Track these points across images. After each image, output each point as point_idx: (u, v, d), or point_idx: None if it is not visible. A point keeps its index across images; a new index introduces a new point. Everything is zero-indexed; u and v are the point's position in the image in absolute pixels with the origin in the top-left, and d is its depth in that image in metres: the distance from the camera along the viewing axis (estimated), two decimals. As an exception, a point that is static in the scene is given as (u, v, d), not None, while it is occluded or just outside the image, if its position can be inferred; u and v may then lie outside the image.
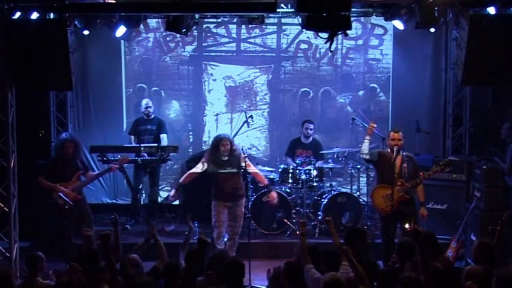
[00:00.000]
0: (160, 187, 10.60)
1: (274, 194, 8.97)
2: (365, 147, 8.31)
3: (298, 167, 9.78)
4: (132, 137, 10.29)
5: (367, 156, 8.36)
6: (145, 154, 9.65)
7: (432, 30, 9.87)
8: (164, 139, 10.12)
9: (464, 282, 5.56)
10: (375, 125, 8.46)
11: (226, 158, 8.47)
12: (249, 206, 9.40)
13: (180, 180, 8.79)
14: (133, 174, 10.07)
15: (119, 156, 9.18)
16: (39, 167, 8.84)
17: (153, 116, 10.26)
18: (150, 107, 10.21)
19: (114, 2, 8.41)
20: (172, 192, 8.73)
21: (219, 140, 8.56)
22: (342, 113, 11.02)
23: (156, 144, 9.83)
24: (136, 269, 6.09)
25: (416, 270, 5.63)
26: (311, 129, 10.19)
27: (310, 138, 10.24)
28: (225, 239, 8.56)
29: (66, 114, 10.53)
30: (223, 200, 8.53)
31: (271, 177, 9.91)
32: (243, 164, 8.40)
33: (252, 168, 8.69)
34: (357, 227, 8.33)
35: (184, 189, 10.74)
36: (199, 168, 8.59)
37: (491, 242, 6.52)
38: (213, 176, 8.56)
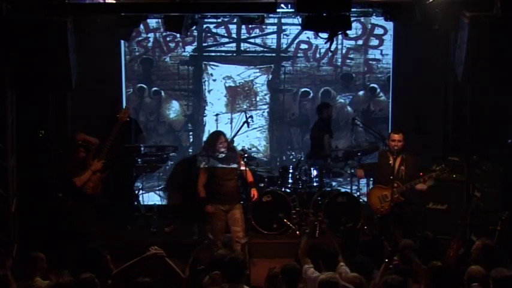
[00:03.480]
0: (159, 187, 10.59)
1: (255, 192, 8.56)
2: None
3: (299, 167, 9.78)
4: None
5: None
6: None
7: (432, 30, 9.85)
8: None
9: (468, 283, 5.55)
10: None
11: (224, 155, 8.23)
12: (250, 206, 9.38)
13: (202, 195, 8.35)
14: (133, 174, 10.08)
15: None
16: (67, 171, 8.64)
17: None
18: None
19: (114, 2, 8.40)
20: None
21: (215, 138, 8.29)
22: (342, 113, 11.03)
23: (155, 145, 9.84)
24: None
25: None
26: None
27: None
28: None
29: (66, 114, 10.51)
30: (220, 203, 8.22)
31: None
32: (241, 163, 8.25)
33: (243, 164, 8.39)
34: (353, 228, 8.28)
35: (184, 189, 10.82)
36: (202, 175, 8.29)
37: (492, 244, 6.52)
38: (210, 173, 8.25)
